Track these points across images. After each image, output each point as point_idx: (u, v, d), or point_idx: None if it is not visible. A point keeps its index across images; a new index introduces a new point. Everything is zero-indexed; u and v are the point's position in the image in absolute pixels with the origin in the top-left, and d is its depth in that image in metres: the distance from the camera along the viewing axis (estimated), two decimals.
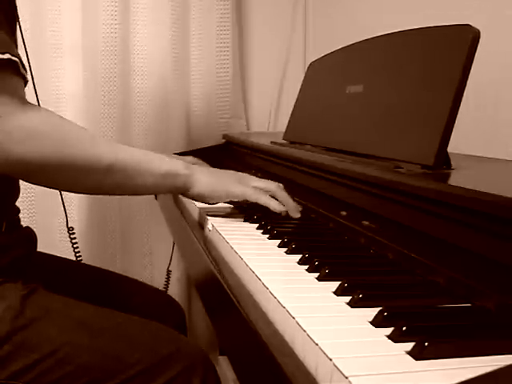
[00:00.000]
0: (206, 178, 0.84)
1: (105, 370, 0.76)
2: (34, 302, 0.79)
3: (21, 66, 0.74)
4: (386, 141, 0.83)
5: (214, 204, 0.88)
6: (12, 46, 0.74)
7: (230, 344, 0.60)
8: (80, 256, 1.27)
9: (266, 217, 0.84)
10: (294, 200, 0.87)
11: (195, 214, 0.94)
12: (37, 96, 1.06)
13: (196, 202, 0.94)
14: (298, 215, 0.85)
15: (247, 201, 0.86)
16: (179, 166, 0.83)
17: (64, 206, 1.22)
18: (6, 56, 0.71)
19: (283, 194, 0.86)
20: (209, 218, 0.85)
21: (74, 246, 1.27)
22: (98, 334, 0.79)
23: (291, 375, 0.42)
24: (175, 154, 1.40)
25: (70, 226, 1.26)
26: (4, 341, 0.75)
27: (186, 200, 1.03)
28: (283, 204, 0.85)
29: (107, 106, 1.58)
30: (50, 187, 0.85)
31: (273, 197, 0.85)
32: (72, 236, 1.27)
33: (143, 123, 1.62)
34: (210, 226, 0.82)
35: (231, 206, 0.95)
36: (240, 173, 0.90)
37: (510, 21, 0.97)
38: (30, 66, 1.03)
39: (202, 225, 0.89)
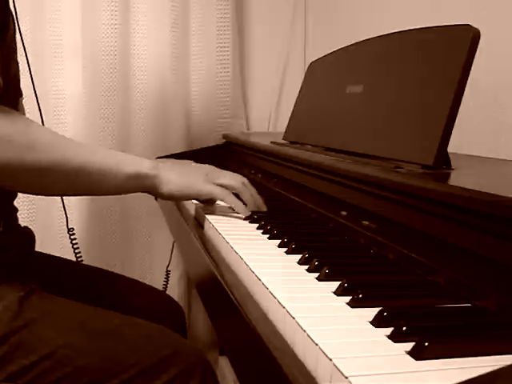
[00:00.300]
0: (173, 177, 0.85)
1: (102, 371, 0.76)
2: (31, 303, 0.79)
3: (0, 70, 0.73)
4: (385, 141, 0.83)
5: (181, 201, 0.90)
6: None
7: (230, 344, 0.60)
8: (81, 257, 1.27)
9: (266, 217, 0.84)
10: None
11: (195, 214, 0.94)
12: (36, 96, 1.06)
13: (195, 202, 0.94)
14: (248, 214, 0.86)
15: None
16: (146, 167, 0.83)
17: (64, 207, 1.22)
18: None
19: (247, 193, 0.88)
20: (208, 217, 0.85)
21: (75, 247, 1.27)
22: (96, 335, 0.79)
23: (291, 375, 0.42)
24: (175, 154, 1.40)
25: (70, 226, 1.26)
26: (1, 342, 0.75)
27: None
28: (245, 202, 0.87)
29: (107, 105, 1.58)
30: (20, 191, 0.86)
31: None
32: (72, 237, 1.27)
33: (143, 123, 1.62)
34: (209, 226, 0.82)
35: None
36: (208, 167, 0.92)
37: (510, 21, 0.97)
38: (29, 65, 1.03)
39: (201, 224, 0.88)
